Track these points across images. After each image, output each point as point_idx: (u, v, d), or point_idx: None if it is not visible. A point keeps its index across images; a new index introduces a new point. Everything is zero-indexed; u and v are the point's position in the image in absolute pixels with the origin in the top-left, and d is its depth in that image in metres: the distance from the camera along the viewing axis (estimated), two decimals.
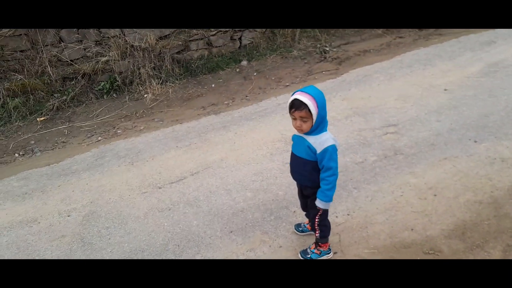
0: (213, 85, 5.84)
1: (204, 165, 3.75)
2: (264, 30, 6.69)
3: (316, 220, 2.36)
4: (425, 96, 4.47)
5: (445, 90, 4.52)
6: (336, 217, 2.86)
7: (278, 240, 2.74)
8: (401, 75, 5.12)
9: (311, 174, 2.20)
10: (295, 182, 2.55)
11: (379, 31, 7.27)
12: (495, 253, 2.34)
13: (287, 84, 5.71)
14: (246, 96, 5.43)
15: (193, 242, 2.82)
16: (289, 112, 2.08)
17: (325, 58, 6.52)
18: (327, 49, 6.78)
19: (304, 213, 2.66)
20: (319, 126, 2.09)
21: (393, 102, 4.42)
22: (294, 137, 2.28)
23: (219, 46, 6.27)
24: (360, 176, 3.30)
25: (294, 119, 2.07)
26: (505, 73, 4.63)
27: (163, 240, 2.88)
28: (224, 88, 5.76)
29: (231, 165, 3.69)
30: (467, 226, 2.59)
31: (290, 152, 2.37)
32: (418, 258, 2.41)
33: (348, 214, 2.89)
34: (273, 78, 5.99)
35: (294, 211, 2.96)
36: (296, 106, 2.01)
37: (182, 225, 3.01)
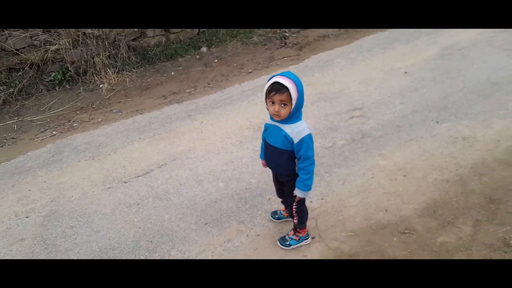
0: (172, 73, 5.63)
1: (171, 156, 3.61)
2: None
3: (294, 206, 2.33)
4: (387, 79, 4.56)
5: (405, 73, 4.64)
6: (311, 202, 2.85)
7: (255, 228, 2.70)
8: (362, 59, 5.19)
9: (288, 164, 2.16)
10: (267, 170, 2.51)
11: None
12: (466, 229, 2.44)
13: (250, 70, 5.62)
14: (209, 84, 5.29)
15: (166, 237, 2.71)
16: (267, 96, 1.98)
17: (285, 43, 6.48)
18: (287, 34, 6.74)
19: (280, 200, 2.62)
20: (296, 113, 2.03)
21: (357, 86, 4.48)
22: (269, 126, 2.16)
23: (177, 32, 6.04)
24: (330, 160, 3.31)
25: (273, 103, 1.99)
26: (460, 56, 4.83)
27: (134, 237, 2.74)
28: (185, 75, 5.58)
29: (200, 155, 3.58)
30: (437, 204, 2.68)
31: (261, 139, 2.31)
32: (394, 238, 2.46)
33: (323, 199, 2.90)
34: (235, 64, 5.88)
35: (269, 199, 2.92)
36: (277, 89, 1.93)
37: (153, 219, 2.88)
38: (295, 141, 2.04)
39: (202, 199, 3.03)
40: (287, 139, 2.07)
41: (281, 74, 1.96)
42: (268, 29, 6.84)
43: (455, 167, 3.03)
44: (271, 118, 2.10)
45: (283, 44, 6.46)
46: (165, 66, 5.77)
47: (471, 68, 4.50)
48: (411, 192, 2.84)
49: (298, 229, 2.46)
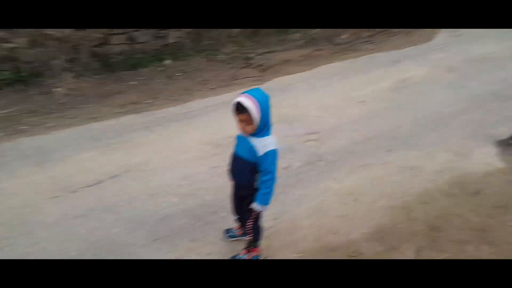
0: (134, 83, 5.54)
1: (124, 167, 3.51)
2: (189, 31, 6.55)
3: (250, 223, 2.34)
4: (343, 107, 4.75)
5: (361, 102, 4.85)
6: (265, 221, 2.87)
7: (207, 247, 2.67)
8: (321, 86, 5.38)
9: (250, 174, 2.22)
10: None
11: (299, 42, 7.59)
12: (409, 254, 2.55)
13: (213, 87, 5.64)
14: (171, 96, 5.24)
15: (113, 252, 2.61)
16: (234, 113, 2.08)
17: (249, 64, 6.59)
18: (251, 56, 6.87)
19: (235, 218, 2.62)
20: (263, 129, 2.11)
21: (315, 111, 4.62)
22: (239, 137, 2.26)
23: (142, 43, 5.98)
24: (286, 180, 3.36)
25: (239, 119, 2.07)
26: (411, 90, 5.13)
27: (77, 250, 2.62)
28: (146, 86, 5.50)
29: (155, 169, 3.52)
30: (384, 230, 2.79)
31: (226, 155, 2.36)
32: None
33: (275, 219, 2.93)
34: (198, 79, 5.89)
35: (224, 216, 2.91)
36: (239, 109, 2.01)
37: (100, 233, 2.77)
38: (260, 153, 2.12)
39: (154, 213, 2.97)
40: (253, 150, 2.14)
41: (248, 92, 2.03)
42: (234, 49, 6.94)
43: (401, 194, 3.18)
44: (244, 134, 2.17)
45: (247, 65, 6.57)
46: (127, 75, 5.67)
47: (420, 102, 4.80)
48: (360, 216, 2.94)
49: (251, 248, 2.47)
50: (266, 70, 6.33)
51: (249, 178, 2.22)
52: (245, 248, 2.49)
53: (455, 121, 4.31)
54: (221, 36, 6.97)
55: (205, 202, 3.10)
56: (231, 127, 4.26)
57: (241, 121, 2.07)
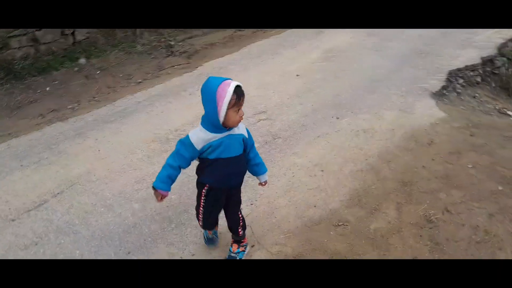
0: (48, 88, 4.90)
1: (67, 182, 3.09)
2: None
3: (240, 215, 2.21)
4: (282, 82, 4.71)
5: (297, 75, 4.86)
6: (242, 208, 2.72)
7: (188, 248, 2.46)
8: (254, 65, 5.28)
9: (245, 165, 2.09)
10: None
11: None
12: (391, 212, 2.61)
13: (139, 80, 5.23)
14: (94, 97, 4.75)
15: None
16: (236, 103, 1.79)
17: (172, 52, 6.24)
18: (172, 43, 6.51)
19: (209, 226, 2.37)
20: None
21: (256, 91, 4.51)
22: (221, 141, 1.89)
23: (48, 43, 5.29)
24: None
25: (239, 109, 1.83)
26: (341, 58, 5.28)
27: None
28: (64, 90, 4.91)
29: (104, 177, 3.14)
30: (359, 194, 2.82)
31: (213, 159, 1.97)
32: (331, 232, 2.49)
33: (252, 204, 2.80)
34: (121, 75, 5.41)
35: (195, 213, 2.69)
36: (243, 93, 1.83)
37: (61, 259, 2.39)
38: (246, 134, 2.00)
39: (117, 226, 2.65)
40: (243, 140, 1.99)
41: (226, 79, 1.80)
42: (152, 38, 6.51)
43: (364, 157, 3.25)
44: (215, 131, 1.87)
45: (170, 53, 6.20)
46: (37, 81, 4.99)
47: (352, 68, 4.95)
48: (332, 186, 2.94)
49: (242, 239, 2.33)
50: (192, 56, 6.05)
51: (246, 168, 2.10)
52: (235, 242, 2.33)
53: (389, 81, 4.52)
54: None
55: (171, 202, 2.85)
56: (175, 118, 4.05)
57: (241, 108, 1.84)
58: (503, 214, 2.50)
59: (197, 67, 5.40)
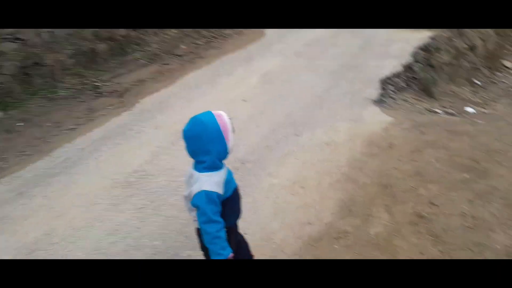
0: None
1: (25, 249, 2.66)
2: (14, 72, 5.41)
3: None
4: (231, 109, 4.66)
5: (244, 100, 4.88)
6: None
7: None
8: (196, 96, 5.19)
9: None
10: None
11: (142, 61, 7.17)
12: (383, 215, 2.68)
13: (72, 127, 4.80)
14: (24, 152, 4.22)
15: None
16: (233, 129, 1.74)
17: (101, 93, 5.86)
18: (98, 84, 6.14)
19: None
20: None
21: None
22: (227, 169, 1.82)
23: None
24: None
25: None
26: (279, 80, 5.41)
27: None
28: None
29: (68, 236, 2.77)
30: (347, 203, 2.86)
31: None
32: (335, 246, 2.47)
33: (246, 234, 2.65)
34: (48, 124, 4.91)
35: (189, 255, 2.49)
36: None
37: None
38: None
39: None
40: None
41: (207, 113, 1.77)
42: (75, 81, 6.05)
43: (336, 168, 3.33)
44: (222, 166, 1.77)
45: (98, 94, 5.82)
46: None
47: (294, 88, 5.12)
48: (318, 200, 2.95)
49: None
50: (124, 95, 5.74)
51: None
52: None
53: (332, 96, 4.76)
54: (54, 71, 5.99)
55: (157, 249, 2.60)
56: (130, 160, 3.75)
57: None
58: (480, 199, 2.74)
59: (134, 104, 5.14)
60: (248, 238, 2.58)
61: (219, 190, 1.68)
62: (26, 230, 2.84)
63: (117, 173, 3.47)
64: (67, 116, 5.09)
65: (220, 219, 1.68)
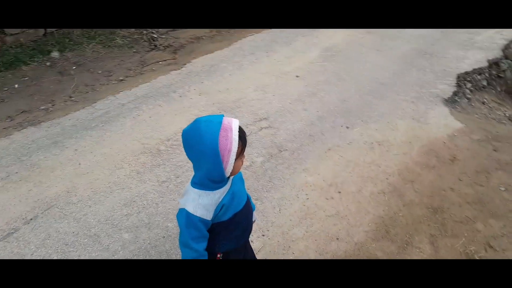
0: (16, 86, 4.33)
1: (42, 204, 2.62)
2: None
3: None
4: (281, 84, 4.32)
5: (297, 76, 4.48)
6: (252, 242, 2.35)
7: None
8: (249, 63, 4.86)
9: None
10: None
11: None
12: (426, 247, 2.29)
13: (121, 78, 4.72)
14: (71, 97, 4.22)
15: None
16: (244, 148, 1.41)
17: (155, 46, 5.73)
18: (155, 36, 5.99)
19: None
20: None
21: (254, 94, 4.11)
22: (233, 191, 1.47)
23: (15, 34, 4.69)
24: (256, 183, 2.85)
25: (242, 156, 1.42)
26: (341, 57, 4.92)
27: None
28: (35, 88, 4.35)
29: (86, 198, 2.69)
30: (385, 223, 2.49)
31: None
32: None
33: (264, 235, 2.42)
34: (100, 71, 4.88)
35: None
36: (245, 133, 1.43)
37: None
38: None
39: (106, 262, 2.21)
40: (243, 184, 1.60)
41: (217, 121, 1.33)
42: (133, 30, 5.95)
43: (383, 175, 2.92)
44: (218, 187, 1.40)
45: (153, 47, 5.69)
46: (4, 77, 4.41)
47: (355, 69, 4.61)
48: (354, 212, 2.60)
49: None
50: (178, 51, 5.56)
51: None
52: None
53: (396, 85, 4.21)
54: None
55: (169, 232, 2.43)
56: (166, 125, 3.59)
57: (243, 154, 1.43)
58: None
59: (185, 64, 4.93)
60: (264, 240, 2.34)
61: (206, 214, 1.38)
62: (49, 183, 2.81)
63: (150, 137, 3.33)
64: (119, 66, 5.03)
65: (199, 248, 1.40)
